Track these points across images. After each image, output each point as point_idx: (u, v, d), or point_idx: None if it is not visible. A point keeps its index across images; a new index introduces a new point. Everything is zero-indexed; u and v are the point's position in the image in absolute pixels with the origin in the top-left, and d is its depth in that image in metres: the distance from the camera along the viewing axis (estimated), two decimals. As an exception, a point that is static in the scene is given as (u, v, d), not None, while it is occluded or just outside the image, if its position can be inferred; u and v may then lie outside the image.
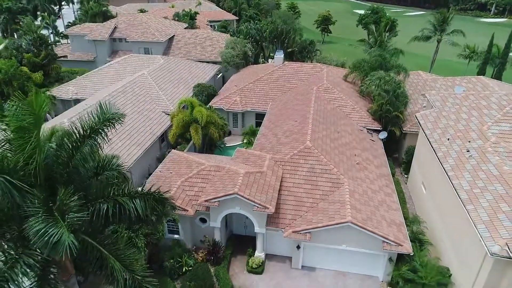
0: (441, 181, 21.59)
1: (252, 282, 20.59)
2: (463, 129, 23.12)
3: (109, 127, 11.28)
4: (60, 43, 50.21)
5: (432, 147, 22.98)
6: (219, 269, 20.58)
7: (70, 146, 10.42)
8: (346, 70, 38.62)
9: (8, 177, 8.59)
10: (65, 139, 10.51)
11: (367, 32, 57.87)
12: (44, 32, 57.19)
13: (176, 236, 22.13)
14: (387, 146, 30.32)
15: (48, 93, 35.62)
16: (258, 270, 21.06)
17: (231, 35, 49.65)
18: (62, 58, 46.26)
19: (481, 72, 43.86)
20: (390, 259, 19.84)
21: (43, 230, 8.16)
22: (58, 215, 8.56)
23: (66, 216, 8.64)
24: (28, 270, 8.86)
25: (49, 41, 43.78)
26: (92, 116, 11.10)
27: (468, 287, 17.17)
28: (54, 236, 8.10)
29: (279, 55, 39.87)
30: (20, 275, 8.70)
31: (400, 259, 19.79)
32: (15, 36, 59.03)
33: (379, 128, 30.62)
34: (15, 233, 9.62)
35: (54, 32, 58.47)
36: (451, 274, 19.00)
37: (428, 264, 18.92)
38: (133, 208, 10.34)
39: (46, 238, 8.08)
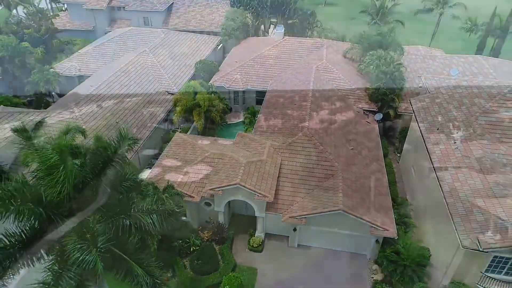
0: (428, 169, 23.22)
1: (253, 259, 23.02)
2: (453, 118, 24.34)
3: (127, 151, 12.81)
4: (58, 16, 49.51)
5: (423, 136, 24.36)
6: (223, 248, 22.92)
7: (96, 171, 11.99)
8: (346, 46, 38.86)
9: (43, 210, 10.21)
10: (90, 163, 12.09)
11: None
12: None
13: (183, 218, 24.24)
14: (382, 125, 31.66)
15: (51, 70, 36.24)
16: (258, 248, 23.41)
17: (231, 5, 48.90)
18: (62, 32, 45.99)
19: (481, 45, 43.94)
20: (377, 241, 22.05)
21: (80, 258, 10.00)
22: (91, 241, 10.32)
23: (96, 240, 10.41)
24: (70, 281, 10.77)
25: (49, 15, 43.35)
26: (113, 142, 12.58)
27: (444, 268, 19.49)
28: (90, 263, 9.98)
29: (279, 31, 39.86)
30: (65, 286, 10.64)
31: (387, 240, 21.97)
32: (10, 2, 57.78)
33: (375, 110, 31.73)
34: (57, 250, 11.43)
35: (50, -2, 57.28)
36: (430, 255, 21.27)
37: (410, 246, 21.10)
38: (150, 223, 12.15)
39: (84, 265, 9.97)
